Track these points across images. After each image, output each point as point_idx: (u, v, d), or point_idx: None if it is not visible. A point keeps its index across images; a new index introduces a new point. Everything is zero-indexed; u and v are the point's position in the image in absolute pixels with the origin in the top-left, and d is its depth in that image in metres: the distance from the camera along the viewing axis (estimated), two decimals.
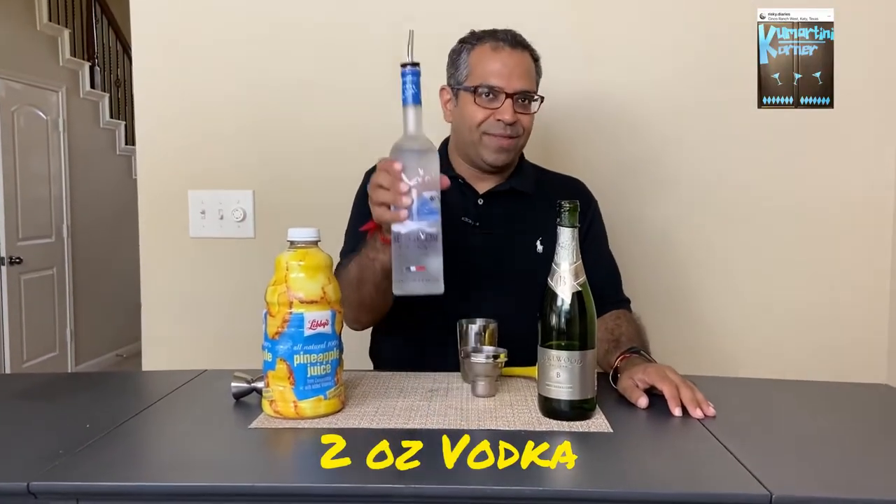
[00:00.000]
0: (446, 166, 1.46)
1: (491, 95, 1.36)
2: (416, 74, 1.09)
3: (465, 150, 1.44)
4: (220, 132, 1.88)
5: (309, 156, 1.87)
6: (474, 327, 1.26)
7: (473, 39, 1.41)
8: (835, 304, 1.87)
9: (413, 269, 1.05)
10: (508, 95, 1.35)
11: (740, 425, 1.04)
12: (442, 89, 1.46)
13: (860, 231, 1.86)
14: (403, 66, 1.08)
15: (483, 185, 1.46)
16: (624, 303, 1.48)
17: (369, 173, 1.52)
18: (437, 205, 1.06)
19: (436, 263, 1.06)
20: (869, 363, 1.87)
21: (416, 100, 1.09)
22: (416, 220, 1.05)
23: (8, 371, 4.45)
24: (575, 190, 1.51)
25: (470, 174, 1.46)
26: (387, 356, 1.51)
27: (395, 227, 1.06)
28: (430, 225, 1.06)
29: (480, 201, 1.45)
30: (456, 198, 1.43)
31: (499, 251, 1.42)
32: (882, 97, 1.84)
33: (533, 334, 1.24)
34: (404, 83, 1.09)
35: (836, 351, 1.86)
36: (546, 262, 1.39)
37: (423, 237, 1.05)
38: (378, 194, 1.09)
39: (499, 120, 1.36)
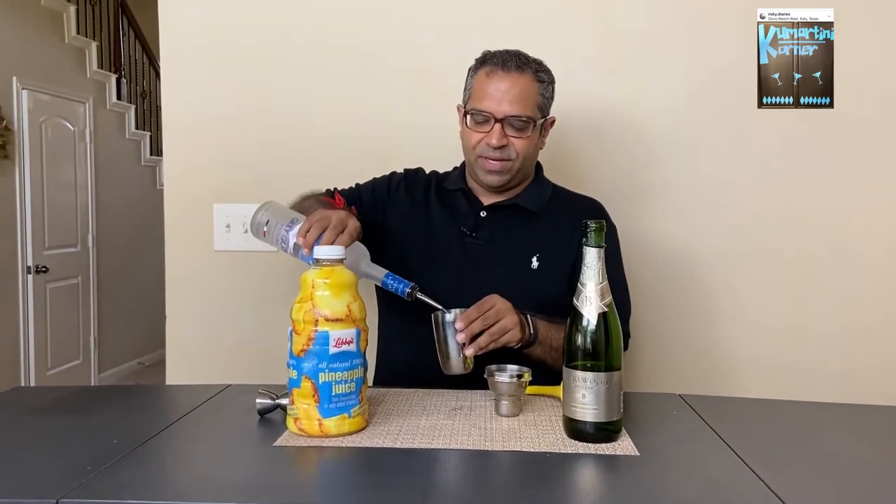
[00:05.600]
0: (460, 179, 1.54)
1: (482, 120, 1.40)
2: (398, 294, 1.27)
3: (468, 168, 1.51)
4: (245, 146, 1.90)
5: (333, 171, 1.88)
6: (449, 316, 1.25)
7: (479, 62, 1.45)
8: (847, 312, 1.84)
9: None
10: (498, 120, 1.38)
11: (772, 450, 1.02)
12: (458, 107, 1.51)
13: (861, 232, 1.84)
14: (409, 291, 1.26)
15: (489, 199, 1.51)
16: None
17: (408, 172, 1.60)
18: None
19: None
20: (886, 379, 1.84)
21: (383, 283, 1.28)
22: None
23: (32, 377, 4.51)
24: (589, 211, 1.52)
25: (478, 187, 1.52)
26: (387, 362, 1.54)
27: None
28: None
29: (483, 213, 1.49)
30: (461, 207, 1.51)
31: (490, 262, 1.44)
32: (882, 97, 1.82)
33: (514, 359, 1.25)
34: (398, 284, 1.26)
35: (858, 367, 1.83)
36: (540, 279, 1.42)
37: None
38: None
39: (488, 144, 1.40)
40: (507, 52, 1.42)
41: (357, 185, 1.61)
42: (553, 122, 1.50)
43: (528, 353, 1.31)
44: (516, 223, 1.48)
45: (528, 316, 1.30)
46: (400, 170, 1.61)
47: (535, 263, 1.44)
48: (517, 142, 1.40)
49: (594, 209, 1.53)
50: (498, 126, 1.38)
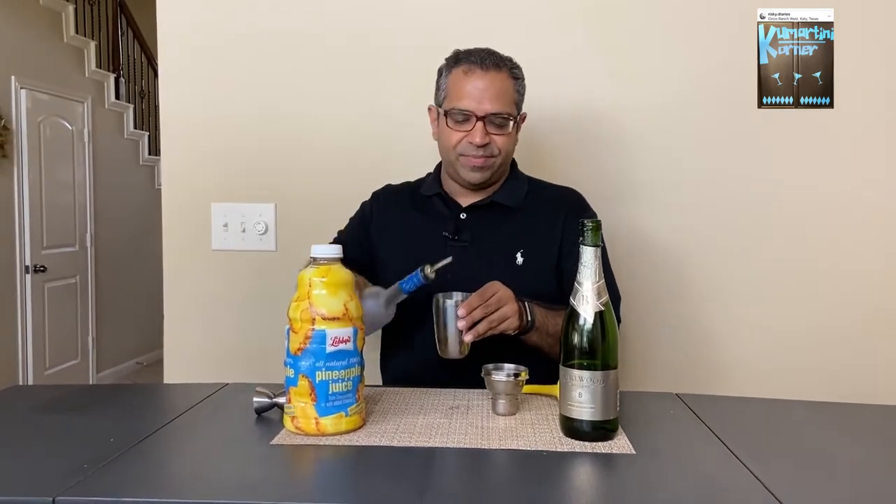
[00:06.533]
0: (435, 183, 1.54)
1: (463, 119, 1.41)
2: (421, 285, 1.27)
3: (447, 168, 1.51)
4: (243, 145, 1.90)
5: (331, 170, 1.88)
6: (450, 301, 1.27)
7: (452, 61, 1.46)
8: (844, 313, 1.84)
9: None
10: (479, 118, 1.39)
11: (768, 449, 1.02)
12: (430, 108, 1.51)
13: (861, 233, 1.84)
14: (424, 274, 1.26)
15: (466, 200, 1.51)
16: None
17: (377, 194, 1.61)
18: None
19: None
20: (881, 378, 1.84)
21: (405, 290, 1.28)
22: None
23: (31, 377, 4.51)
24: (567, 201, 1.53)
25: (456, 189, 1.52)
26: (390, 367, 1.55)
27: None
28: None
29: (463, 215, 1.50)
30: (440, 212, 1.51)
31: (475, 263, 1.44)
32: (882, 97, 1.82)
33: (511, 345, 1.28)
34: (412, 278, 1.27)
35: (854, 366, 1.84)
36: (525, 274, 1.43)
37: None
38: None
39: (470, 142, 1.40)
40: (481, 50, 1.43)
41: (339, 232, 1.60)
42: (524, 117, 1.51)
43: (525, 339, 1.33)
44: (497, 221, 1.48)
45: (526, 303, 1.31)
46: (393, 178, 1.63)
47: (519, 259, 1.45)
48: (498, 139, 1.42)
49: (576, 200, 1.54)
50: (480, 124, 1.39)
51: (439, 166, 1.57)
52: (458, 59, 1.44)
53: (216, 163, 1.91)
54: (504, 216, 1.49)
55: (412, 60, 1.85)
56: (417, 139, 1.83)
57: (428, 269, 1.26)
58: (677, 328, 1.87)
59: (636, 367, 1.85)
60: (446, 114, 1.43)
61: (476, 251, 1.46)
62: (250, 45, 1.89)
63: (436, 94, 1.49)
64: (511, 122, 1.42)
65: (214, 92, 1.90)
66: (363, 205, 1.61)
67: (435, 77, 1.51)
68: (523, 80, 1.46)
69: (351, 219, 1.62)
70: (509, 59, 1.44)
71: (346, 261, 1.42)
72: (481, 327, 1.23)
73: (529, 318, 1.30)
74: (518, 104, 1.45)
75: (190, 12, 1.90)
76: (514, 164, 1.56)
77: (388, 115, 1.87)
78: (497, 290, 1.26)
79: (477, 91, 1.39)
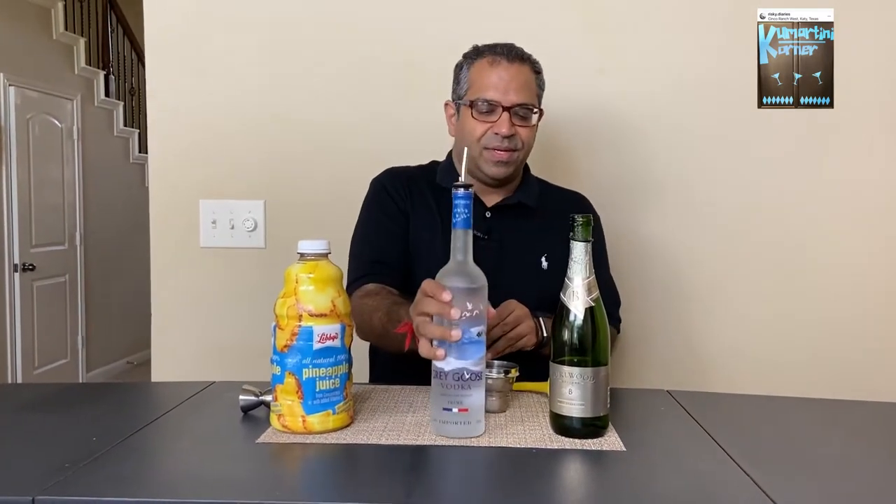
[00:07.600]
0: (451, 175, 1.48)
1: (488, 109, 1.38)
2: (468, 198, 1.02)
3: (467, 163, 1.45)
4: (231, 142, 1.88)
5: (320, 166, 1.87)
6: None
7: (473, 54, 1.44)
8: (841, 312, 1.84)
9: (455, 410, 1.00)
10: (505, 109, 1.37)
11: (759, 446, 1.01)
12: (446, 104, 1.49)
13: (861, 233, 1.84)
14: (455, 187, 1.02)
15: (490, 199, 1.48)
16: (614, 319, 1.49)
17: (378, 180, 1.54)
18: (483, 340, 1.01)
19: (478, 404, 1.01)
20: (882, 377, 1.84)
21: (467, 224, 1.03)
22: (460, 359, 1.00)
23: (20, 376, 4.48)
24: (578, 205, 1.53)
25: (476, 187, 1.47)
26: (386, 363, 1.50)
27: (439, 364, 1.01)
28: (476, 363, 1.01)
29: (488, 214, 1.47)
30: None
31: (505, 264, 1.42)
32: (882, 97, 1.82)
33: (526, 359, 1.25)
34: (456, 206, 1.02)
35: (846, 364, 1.84)
36: (550, 278, 1.41)
37: (467, 376, 1.00)
38: (425, 327, 1.02)
39: (496, 133, 1.38)
40: (504, 44, 1.42)
41: (360, 254, 1.47)
42: (541, 114, 1.49)
43: (540, 353, 1.31)
44: (518, 222, 1.47)
45: (541, 319, 1.31)
46: (386, 166, 1.58)
47: (544, 263, 1.45)
48: (522, 131, 1.40)
49: (583, 204, 1.54)
50: (506, 115, 1.37)
51: (449, 156, 1.53)
52: (481, 52, 1.42)
53: (204, 159, 1.89)
54: (524, 217, 1.47)
55: (406, 58, 1.84)
56: (410, 137, 1.82)
57: (458, 182, 1.04)
58: (670, 325, 1.87)
59: (628, 364, 1.85)
60: (470, 105, 1.40)
61: (504, 253, 1.43)
62: (239, 41, 1.87)
63: (454, 89, 1.47)
64: (534, 115, 1.42)
65: (203, 88, 1.89)
66: (385, 194, 1.49)
67: (428, 74, 1.50)
68: (543, 75, 1.46)
69: (366, 211, 1.51)
70: (530, 55, 1.44)
71: (394, 270, 1.36)
72: (500, 345, 1.24)
73: (545, 335, 1.31)
74: (539, 98, 1.45)
75: (178, 8, 1.88)
76: (525, 164, 1.55)
77: (380, 112, 1.85)
78: (514, 309, 1.26)
79: (503, 82, 1.38)
